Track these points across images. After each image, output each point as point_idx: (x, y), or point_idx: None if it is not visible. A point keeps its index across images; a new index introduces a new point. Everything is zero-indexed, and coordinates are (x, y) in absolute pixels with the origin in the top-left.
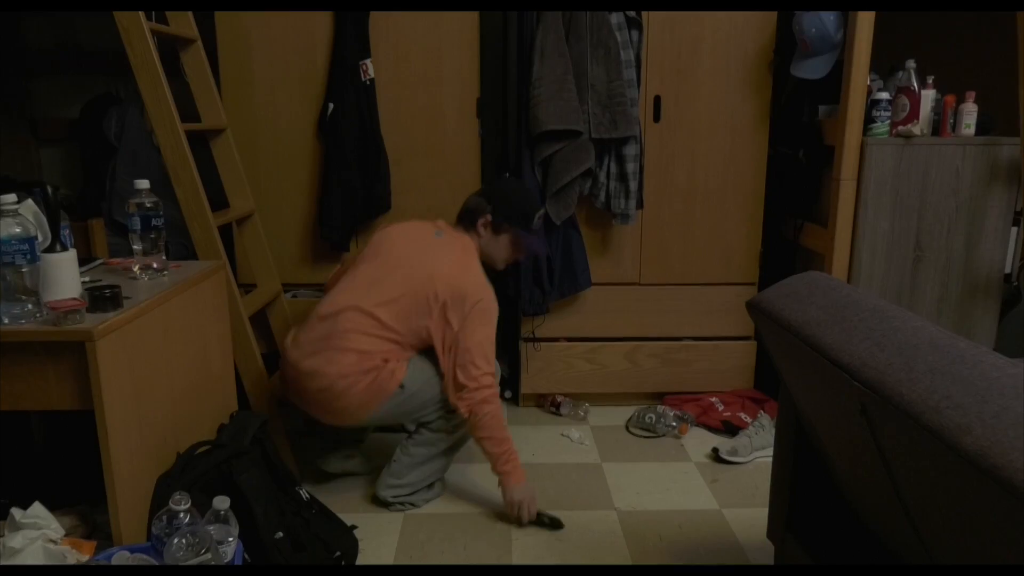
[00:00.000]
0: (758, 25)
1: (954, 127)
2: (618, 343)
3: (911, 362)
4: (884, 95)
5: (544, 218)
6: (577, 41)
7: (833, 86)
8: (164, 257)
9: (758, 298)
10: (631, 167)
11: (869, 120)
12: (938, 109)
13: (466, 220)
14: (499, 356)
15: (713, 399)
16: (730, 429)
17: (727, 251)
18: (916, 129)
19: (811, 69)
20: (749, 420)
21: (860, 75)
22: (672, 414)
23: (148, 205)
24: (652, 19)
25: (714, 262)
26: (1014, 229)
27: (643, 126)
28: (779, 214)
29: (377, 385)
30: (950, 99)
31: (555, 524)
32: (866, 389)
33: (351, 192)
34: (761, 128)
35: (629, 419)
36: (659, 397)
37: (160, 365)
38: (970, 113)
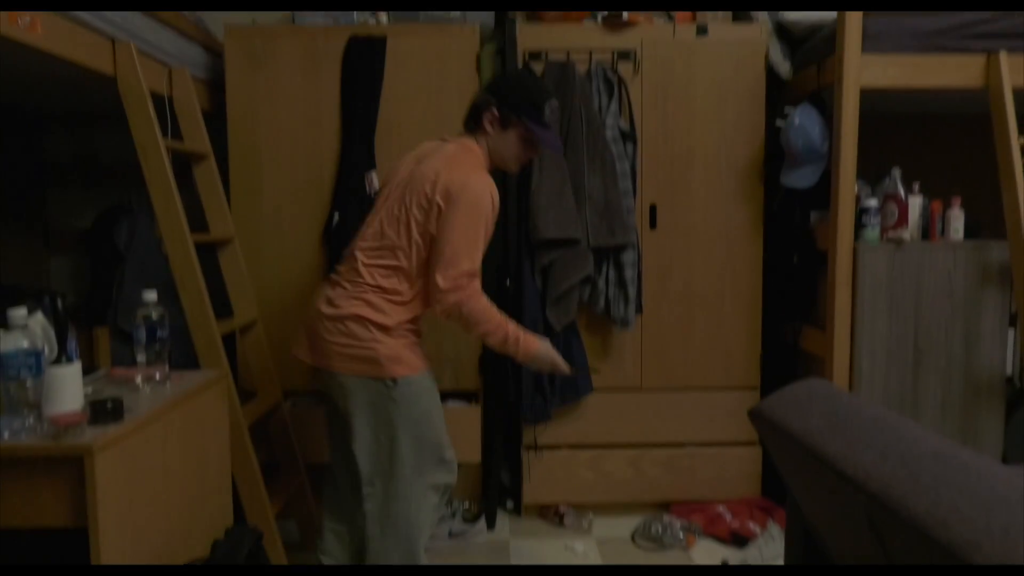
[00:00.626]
0: (747, 138)
1: (943, 231)
2: (622, 450)
3: (916, 473)
4: (873, 202)
5: (559, 142)
6: (574, 153)
7: (822, 192)
8: (167, 367)
9: (760, 407)
10: (629, 273)
11: (859, 226)
12: (926, 214)
13: (471, 120)
14: (500, 464)
15: (720, 508)
16: (738, 540)
17: (727, 355)
18: (906, 234)
19: (800, 178)
20: (758, 530)
21: (847, 183)
22: (679, 524)
23: (154, 317)
24: (646, 132)
25: (715, 366)
26: (1011, 330)
27: (640, 234)
28: (778, 318)
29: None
30: (936, 205)
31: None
32: (873, 501)
33: None
34: (755, 234)
35: (635, 530)
36: (665, 506)
37: (157, 478)
38: (957, 218)
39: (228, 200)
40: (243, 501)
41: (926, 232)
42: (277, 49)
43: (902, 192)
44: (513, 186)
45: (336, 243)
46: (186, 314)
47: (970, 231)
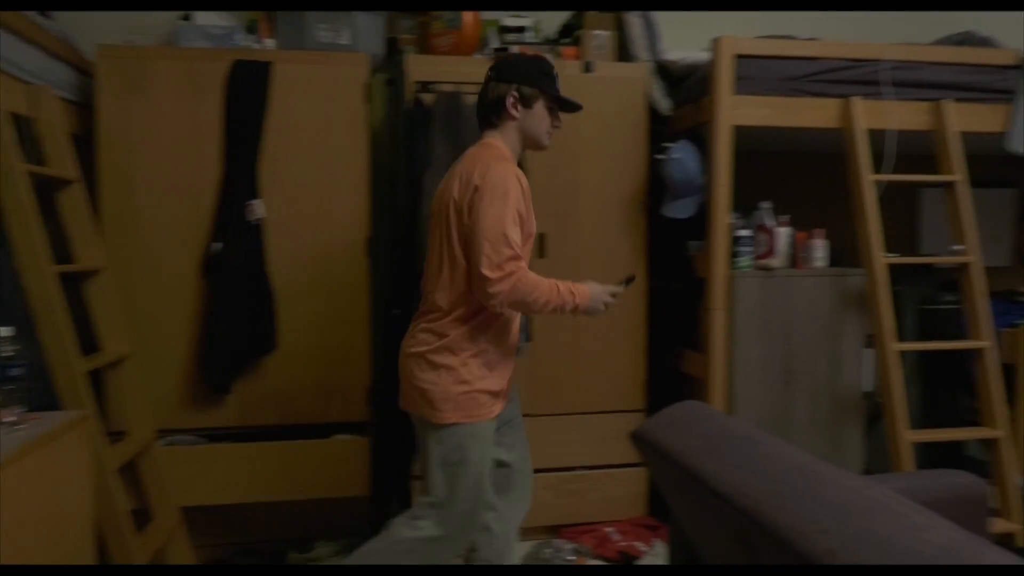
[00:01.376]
0: (631, 170)
1: (807, 260)
2: None
3: (780, 488)
4: (745, 232)
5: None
6: None
7: (700, 223)
8: (23, 409)
9: (640, 429)
10: None
11: (734, 255)
12: (793, 244)
13: (492, 114)
14: (391, 498)
15: (609, 529)
16: (627, 560)
17: (615, 380)
18: (774, 262)
19: (680, 209)
20: (645, 549)
21: (722, 215)
22: (569, 547)
23: (6, 354)
24: (534, 164)
25: (603, 391)
26: (868, 351)
27: (530, 262)
28: (662, 343)
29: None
30: (801, 235)
31: (630, 280)
32: (742, 515)
33: (236, 332)
34: (640, 262)
35: (526, 555)
36: (555, 530)
37: (12, 531)
38: (820, 247)
39: (101, 228)
40: (110, 551)
41: (793, 261)
42: (155, 71)
43: (771, 223)
44: (404, 216)
45: (217, 274)
46: (45, 351)
47: (833, 260)
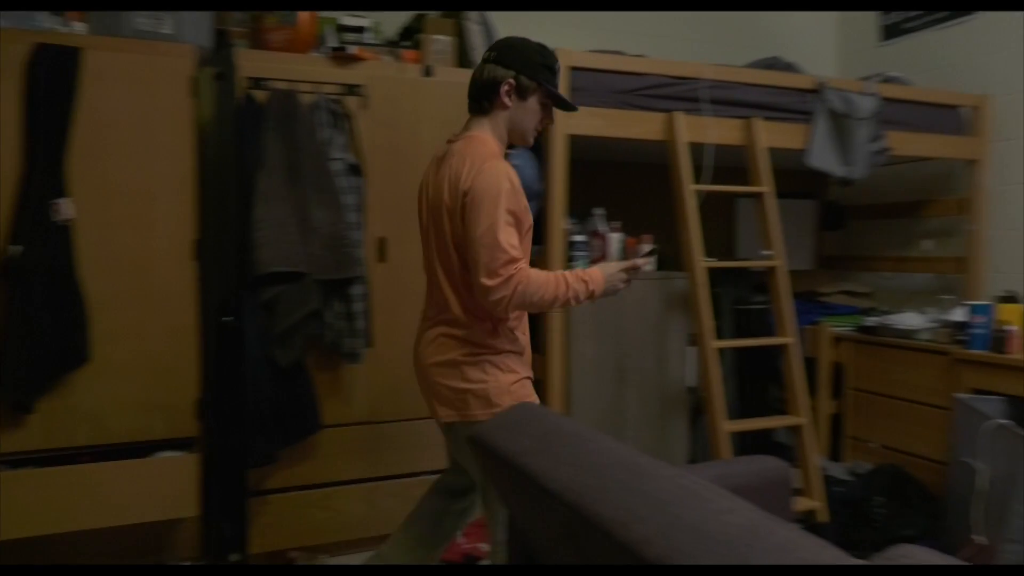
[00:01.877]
0: None
1: None
2: (355, 485)
3: (604, 482)
4: (580, 237)
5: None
6: (299, 186)
7: (538, 228)
8: None
9: (477, 431)
10: (358, 307)
11: (570, 258)
12: (624, 249)
13: (483, 99)
14: (222, 515)
15: None
16: (471, 562)
17: None
18: None
19: None
20: (488, 549)
21: (558, 220)
22: None
23: None
24: (374, 166)
25: None
26: (691, 348)
27: (369, 267)
28: None
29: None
30: (631, 240)
31: (653, 252)
32: (569, 511)
33: (39, 343)
34: None
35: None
36: None
37: None
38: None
39: None
40: None
41: None
42: None
43: (604, 229)
44: (234, 219)
45: (17, 278)
46: None
47: (659, 264)
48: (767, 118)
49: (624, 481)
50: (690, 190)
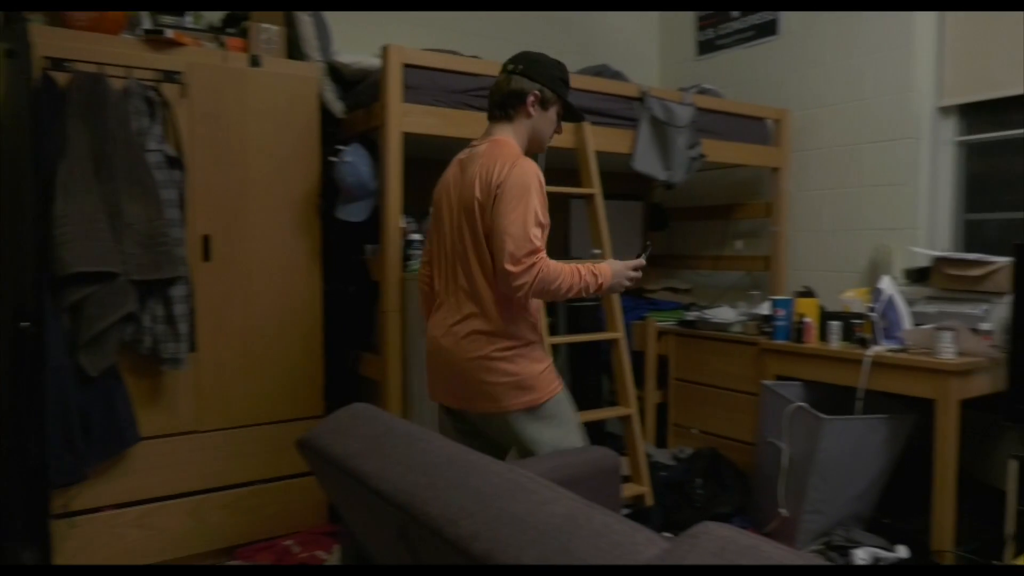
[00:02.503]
0: (303, 171)
1: None
2: (179, 500)
3: (435, 481)
4: (417, 236)
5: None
6: (110, 178)
7: (375, 226)
8: None
9: (307, 436)
10: (180, 309)
11: (407, 257)
12: None
13: (511, 106)
14: (21, 541)
15: (289, 542)
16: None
17: (292, 387)
18: None
19: (353, 213)
20: (326, 557)
21: (394, 219)
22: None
23: None
24: (196, 159)
25: (279, 399)
26: None
27: (192, 266)
28: (340, 346)
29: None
30: None
31: (646, 247)
32: (401, 511)
33: None
34: (314, 266)
35: None
36: (230, 552)
37: None
38: None
39: None
40: None
41: None
42: None
43: None
44: (31, 213)
45: None
46: None
47: None
48: (596, 123)
49: (453, 479)
50: None
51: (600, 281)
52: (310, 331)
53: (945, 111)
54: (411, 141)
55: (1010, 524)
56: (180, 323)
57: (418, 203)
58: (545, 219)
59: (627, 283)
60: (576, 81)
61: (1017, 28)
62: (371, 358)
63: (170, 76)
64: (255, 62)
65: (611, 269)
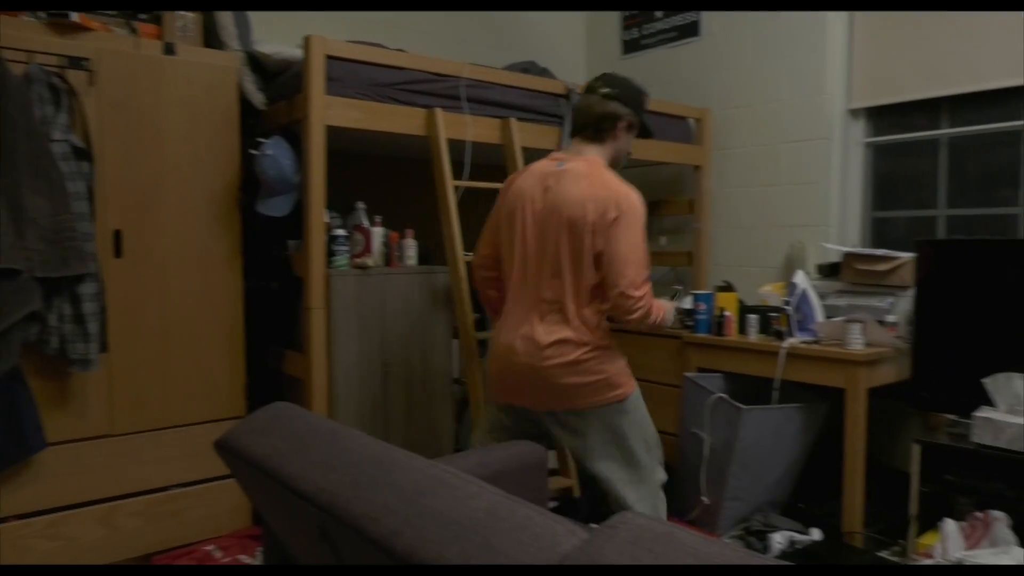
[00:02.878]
0: (222, 164)
1: (400, 258)
2: (90, 508)
3: (357, 479)
4: (342, 231)
5: None
6: (11, 170)
7: (297, 222)
8: None
9: (225, 437)
10: (90, 307)
11: (331, 253)
12: (387, 244)
13: (601, 129)
14: None
15: (210, 547)
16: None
17: (211, 387)
18: (370, 261)
19: (274, 207)
20: (249, 560)
21: (318, 214)
22: None
23: None
24: (107, 150)
25: (198, 400)
26: (454, 341)
27: (103, 262)
28: (262, 345)
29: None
30: (394, 235)
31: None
32: (323, 512)
33: None
34: (234, 262)
35: None
36: (147, 559)
37: None
38: (411, 247)
39: None
40: None
41: (387, 259)
42: None
43: (366, 223)
44: None
45: None
46: None
47: (423, 258)
48: (522, 119)
49: (376, 476)
50: (451, 186)
51: (662, 315)
52: (230, 329)
53: (855, 113)
54: (335, 134)
55: (914, 505)
56: (90, 322)
57: (342, 198)
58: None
59: (670, 320)
60: (503, 77)
61: (919, 34)
62: (295, 356)
63: (76, 62)
64: (169, 50)
65: (665, 306)
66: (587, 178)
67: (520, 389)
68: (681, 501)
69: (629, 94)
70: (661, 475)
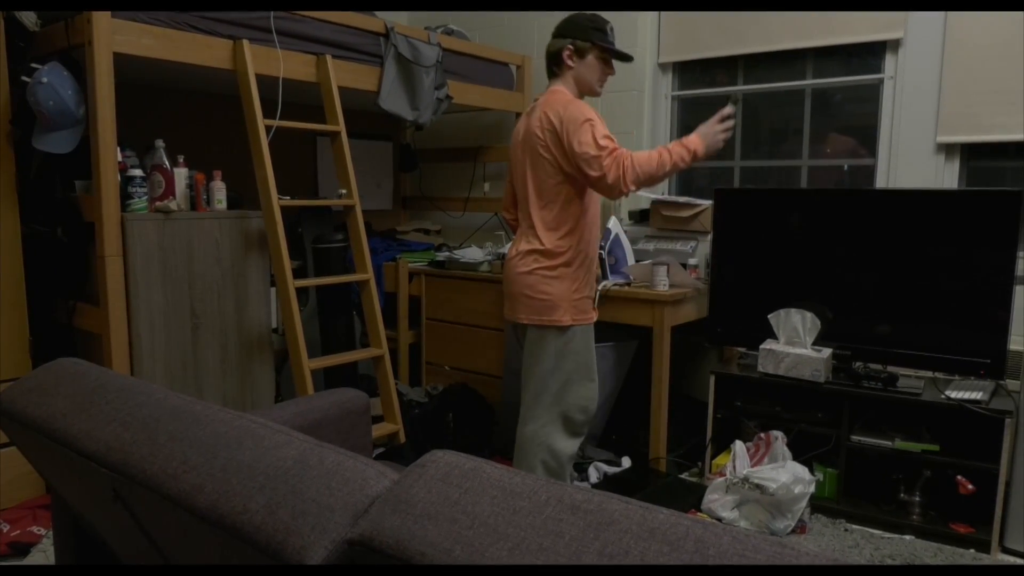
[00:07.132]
0: None
1: (208, 202)
2: None
3: (154, 435)
4: (138, 172)
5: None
6: None
7: (86, 160)
8: None
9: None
10: None
11: (127, 196)
12: (193, 186)
13: (553, 64)
14: None
15: None
16: (21, 550)
17: None
18: (173, 205)
19: (55, 143)
20: (43, 531)
21: (108, 152)
22: None
23: None
24: None
25: None
26: (272, 289)
27: None
28: (49, 297)
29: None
30: (200, 177)
31: (734, 100)
32: (114, 473)
33: None
34: (8, 203)
35: None
36: None
37: None
38: (220, 190)
39: None
40: None
41: (193, 203)
42: None
43: (167, 163)
44: None
45: None
46: None
47: (233, 202)
48: (338, 57)
49: (176, 431)
50: (262, 125)
51: (693, 148)
52: (8, 280)
53: (663, 67)
54: (127, 63)
55: (709, 430)
56: None
57: (139, 134)
58: (608, 133)
59: (721, 138)
60: (317, 13)
61: None
62: (89, 309)
63: None
64: None
65: (700, 135)
66: (542, 106)
67: (507, 298)
68: (504, 440)
69: (566, 25)
70: (567, 446)
